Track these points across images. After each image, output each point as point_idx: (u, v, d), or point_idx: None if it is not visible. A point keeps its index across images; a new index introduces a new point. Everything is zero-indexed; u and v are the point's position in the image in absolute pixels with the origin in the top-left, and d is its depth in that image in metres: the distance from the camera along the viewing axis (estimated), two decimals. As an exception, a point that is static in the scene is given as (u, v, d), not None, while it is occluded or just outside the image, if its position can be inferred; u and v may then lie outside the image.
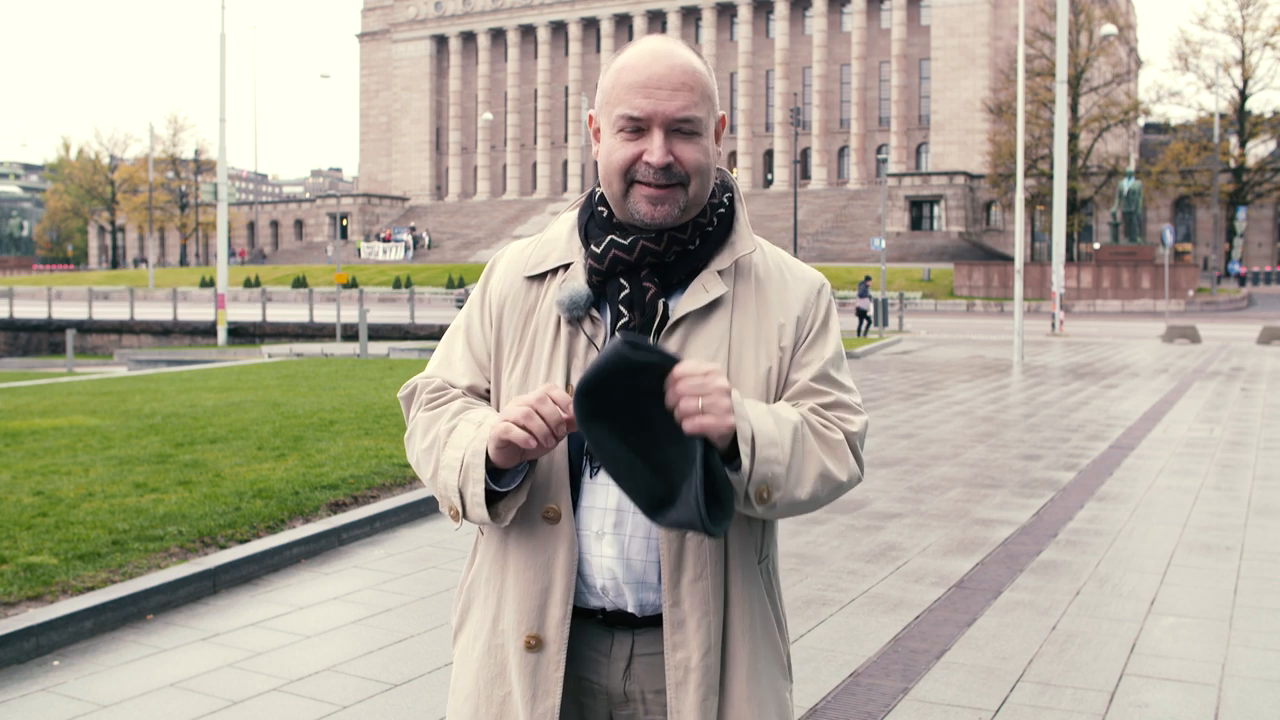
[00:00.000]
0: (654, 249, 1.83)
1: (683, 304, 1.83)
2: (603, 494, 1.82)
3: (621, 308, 1.82)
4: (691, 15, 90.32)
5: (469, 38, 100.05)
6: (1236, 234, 63.51)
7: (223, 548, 6.38)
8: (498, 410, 1.91)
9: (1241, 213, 62.93)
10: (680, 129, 1.80)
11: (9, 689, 4.60)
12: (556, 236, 1.95)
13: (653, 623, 1.84)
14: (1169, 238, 37.59)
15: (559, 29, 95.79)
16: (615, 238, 1.85)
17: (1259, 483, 9.32)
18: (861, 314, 31.43)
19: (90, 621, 5.21)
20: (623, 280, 1.83)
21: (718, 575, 1.82)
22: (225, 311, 34.54)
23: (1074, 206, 58.53)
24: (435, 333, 34.19)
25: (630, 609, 1.83)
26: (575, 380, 1.81)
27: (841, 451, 1.88)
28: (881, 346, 26.20)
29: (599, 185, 1.93)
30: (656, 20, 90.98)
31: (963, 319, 42.47)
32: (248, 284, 64.61)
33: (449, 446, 1.82)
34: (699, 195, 1.84)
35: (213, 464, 8.53)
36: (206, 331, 38.35)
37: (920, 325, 36.67)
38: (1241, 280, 59.82)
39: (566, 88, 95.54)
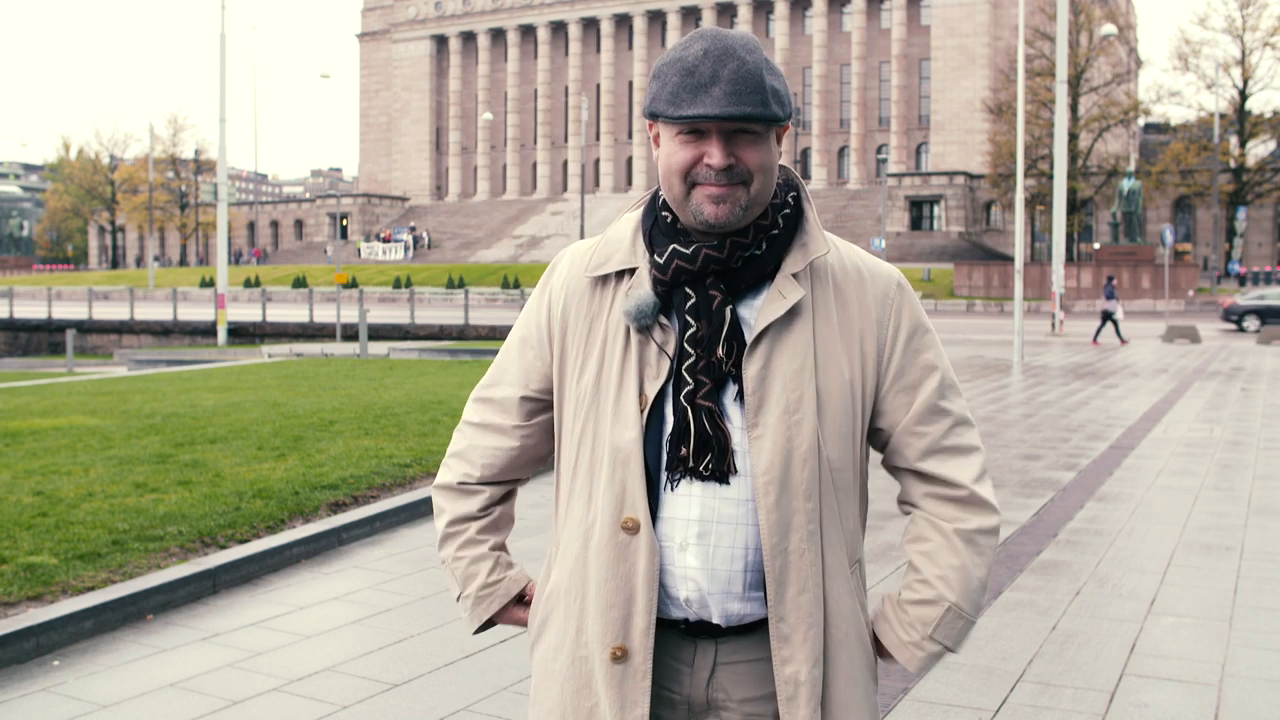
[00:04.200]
0: (718, 257, 1.79)
1: (763, 314, 1.80)
2: (684, 505, 1.79)
3: (689, 317, 1.79)
4: (691, 15, 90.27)
5: (469, 38, 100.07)
6: (1236, 234, 63.49)
7: (223, 548, 6.38)
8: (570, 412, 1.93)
9: (1241, 213, 62.91)
10: (741, 130, 1.77)
11: (9, 689, 4.60)
12: (620, 237, 1.91)
13: (735, 631, 1.83)
14: (1169, 238, 37.61)
15: (559, 29, 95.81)
16: (678, 246, 1.81)
17: (1259, 483, 9.32)
18: (1108, 316, 28.66)
19: (90, 621, 5.21)
20: (688, 289, 1.81)
21: (818, 586, 1.81)
22: (225, 311, 34.53)
23: (1074, 206, 58.54)
24: (435, 332, 34.20)
25: (715, 620, 1.81)
26: (647, 389, 1.81)
27: (992, 540, 1.95)
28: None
29: (661, 187, 1.90)
30: (657, 20, 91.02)
31: (963, 319, 42.45)
32: (248, 284, 64.59)
33: (452, 577, 2.03)
34: (761, 194, 1.80)
35: (213, 464, 8.53)
36: (206, 331, 38.34)
37: (920, 325, 36.60)
38: (1242, 280, 59.79)
39: (566, 88, 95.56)
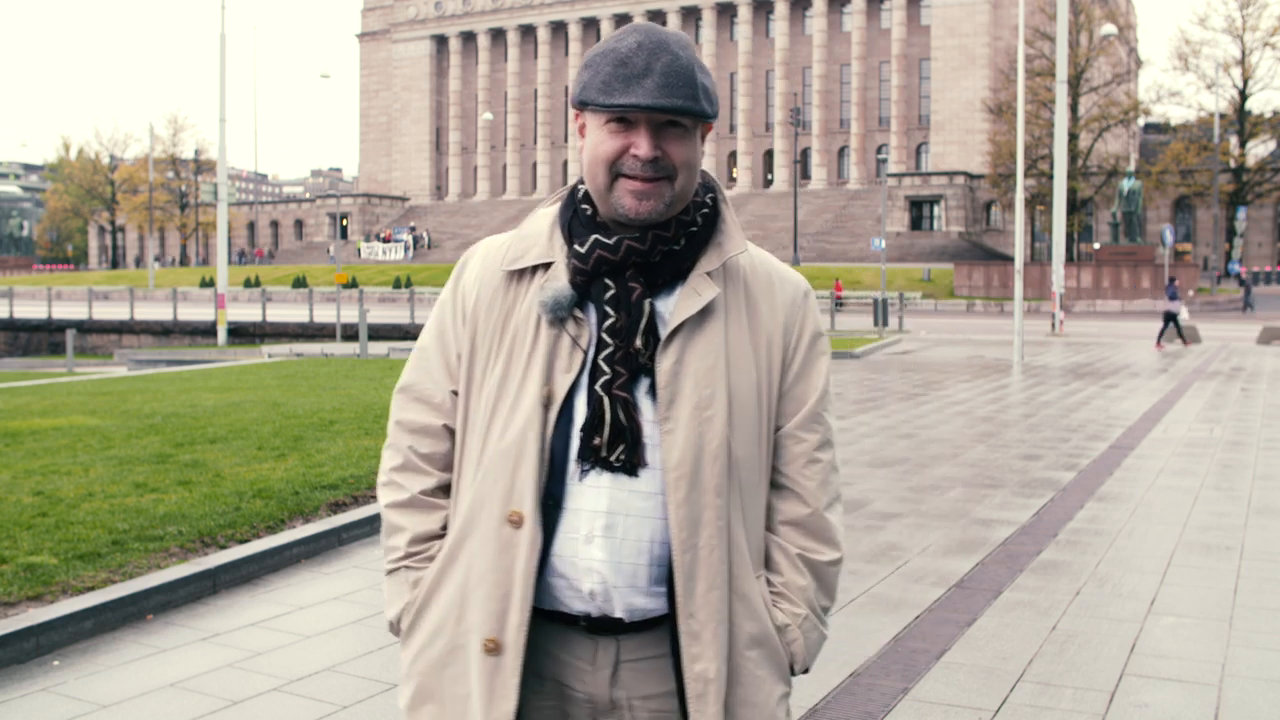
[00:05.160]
0: (639, 248, 1.80)
1: (678, 311, 1.81)
2: (592, 496, 1.79)
3: (607, 308, 1.80)
4: (691, 15, 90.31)
5: (469, 38, 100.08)
6: (1236, 234, 63.53)
7: (223, 548, 6.37)
8: (466, 413, 1.91)
9: (1241, 213, 62.94)
10: (670, 123, 1.78)
11: (9, 689, 4.60)
12: (537, 232, 1.91)
13: (637, 628, 1.83)
14: (1169, 238, 37.67)
15: (559, 29, 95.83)
16: (600, 237, 1.82)
17: (1259, 483, 9.32)
18: (1171, 317, 27.33)
19: (90, 621, 5.20)
20: (608, 280, 1.81)
21: (726, 584, 1.81)
22: (225, 311, 34.52)
23: (1074, 206, 58.53)
24: (435, 333, 34.17)
25: (619, 614, 1.81)
26: (556, 381, 1.80)
27: (836, 571, 1.97)
28: (881, 346, 26.22)
29: (581, 181, 1.90)
30: (657, 21, 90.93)
31: (963, 319, 42.47)
32: (248, 284, 64.60)
33: (405, 585, 1.94)
34: (685, 190, 1.82)
35: (213, 464, 8.53)
36: (206, 331, 38.33)
37: (920, 325, 36.67)
38: (1241, 280, 59.77)
39: (566, 88, 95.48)
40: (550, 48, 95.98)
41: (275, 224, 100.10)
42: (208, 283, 62.18)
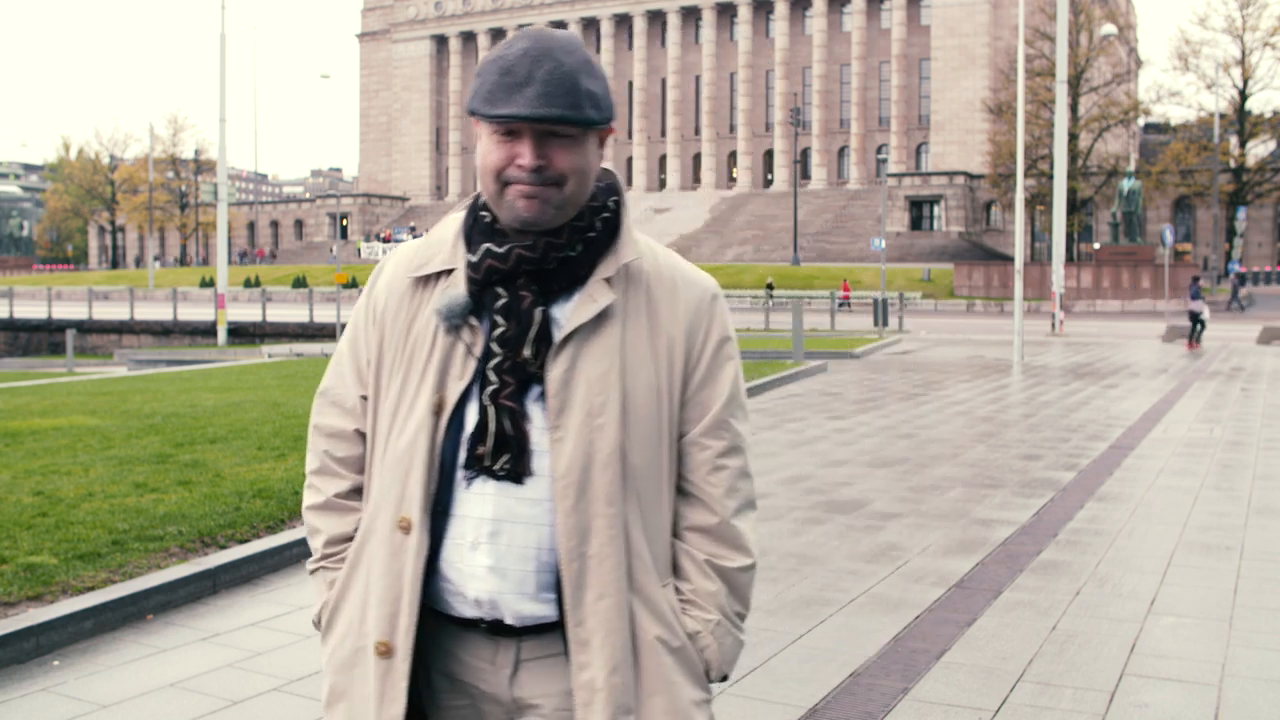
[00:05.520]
0: (530, 256, 1.79)
1: (572, 318, 1.79)
2: (478, 504, 1.80)
3: (498, 317, 1.79)
4: (691, 15, 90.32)
5: (469, 38, 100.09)
6: (1236, 234, 63.53)
7: (223, 548, 6.37)
8: (373, 421, 1.92)
9: (1241, 213, 62.94)
10: (553, 133, 1.77)
11: (9, 689, 4.60)
12: (442, 239, 1.91)
13: (536, 629, 1.83)
14: (1169, 238, 37.67)
15: (558, 29, 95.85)
16: (491, 246, 1.81)
17: (1259, 483, 9.32)
18: (1195, 317, 27.05)
19: (90, 621, 5.20)
20: (500, 289, 1.81)
21: (621, 592, 1.80)
22: (225, 311, 34.54)
23: (1074, 206, 58.55)
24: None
25: (508, 620, 1.81)
26: (448, 389, 1.81)
27: (748, 578, 1.94)
28: (881, 346, 26.23)
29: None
30: (656, 20, 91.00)
31: (963, 319, 42.48)
32: (248, 284, 64.61)
33: (326, 585, 1.98)
34: (577, 195, 1.80)
35: (213, 464, 8.53)
36: (206, 331, 38.34)
37: (920, 325, 36.67)
38: (1241, 279, 59.81)
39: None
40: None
41: (275, 224, 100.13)
42: (208, 283, 62.18)
